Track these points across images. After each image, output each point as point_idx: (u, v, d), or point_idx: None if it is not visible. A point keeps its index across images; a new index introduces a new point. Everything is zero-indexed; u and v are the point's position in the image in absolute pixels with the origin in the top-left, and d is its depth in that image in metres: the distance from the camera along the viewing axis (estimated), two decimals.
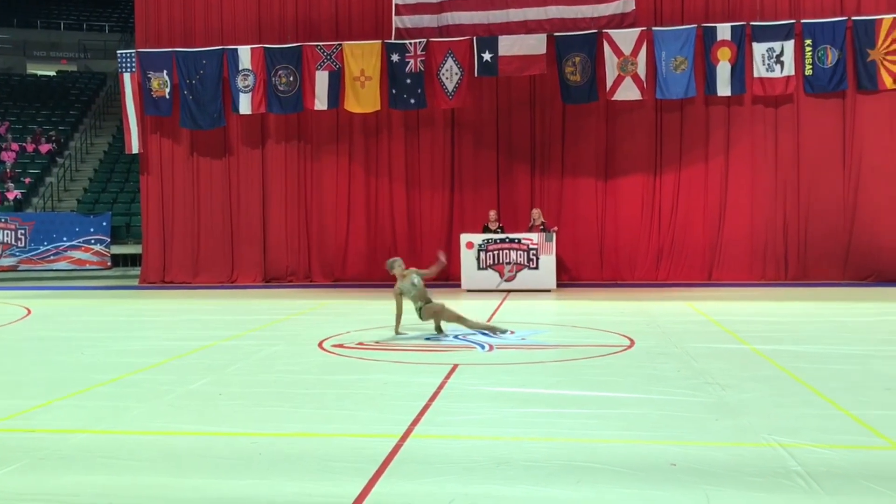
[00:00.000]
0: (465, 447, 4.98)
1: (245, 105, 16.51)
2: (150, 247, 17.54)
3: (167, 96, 16.78)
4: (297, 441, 5.22)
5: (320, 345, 8.89)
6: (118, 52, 17.56)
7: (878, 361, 7.58)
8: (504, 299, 13.57)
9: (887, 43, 14.87)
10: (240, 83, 16.50)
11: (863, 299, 12.76)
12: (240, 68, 16.49)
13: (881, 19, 14.88)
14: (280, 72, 16.32)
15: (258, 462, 4.77)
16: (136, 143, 17.15)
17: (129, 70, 16.94)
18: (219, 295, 15.12)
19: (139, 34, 17.53)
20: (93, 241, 20.49)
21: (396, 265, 9.57)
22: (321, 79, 16.23)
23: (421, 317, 9.42)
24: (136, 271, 18.65)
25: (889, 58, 14.91)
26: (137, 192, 19.77)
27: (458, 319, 9.33)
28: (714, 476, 4.38)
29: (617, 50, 15.37)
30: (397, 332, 9.36)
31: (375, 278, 16.79)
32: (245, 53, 16.49)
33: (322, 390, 6.63)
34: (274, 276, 17.14)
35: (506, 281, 14.80)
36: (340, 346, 8.82)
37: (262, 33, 16.97)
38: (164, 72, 16.72)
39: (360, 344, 8.92)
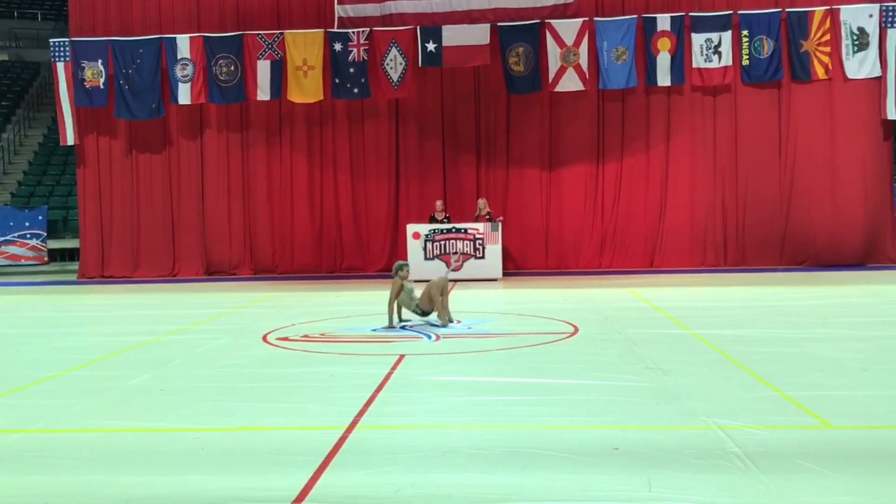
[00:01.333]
0: (411, 437, 4.99)
1: (184, 95, 16.20)
2: (88, 241, 17.11)
3: (101, 86, 16.33)
4: (241, 435, 5.17)
5: (265, 338, 8.80)
6: (51, 40, 17.04)
7: (812, 344, 7.82)
8: (451, 289, 13.57)
9: (819, 34, 15.28)
10: (178, 73, 16.16)
11: (799, 284, 13.13)
12: (178, 58, 16.16)
13: (813, 11, 15.27)
14: (220, 61, 16.04)
15: (202, 457, 4.72)
16: (71, 134, 16.69)
17: (62, 59, 16.46)
18: (160, 289, 14.84)
19: (73, 22, 17.03)
20: (28, 236, 19.90)
21: (404, 270, 9.46)
22: (263, 68, 16.01)
23: (419, 307, 9.36)
24: (75, 266, 18.16)
25: (821, 49, 15.32)
26: (74, 185, 19.25)
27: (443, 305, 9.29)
28: (655, 459, 4.48)
29: (559, 40, 15.49)
30: (391, 325, 9.25)
31: (321, 270, 16.70)
32: (184, 42, 16.16)
33: (267, 384, 6.57)
34: (217, 269, 16.88)
35: (452, 271, 14.83)
36: (285, 338, 8.74)
37: (201, 22, 16.63)
38: (99, 61, 16.28)
39: (306, 336, 8.86)
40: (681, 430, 5.04)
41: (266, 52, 15.97)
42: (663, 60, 15.43)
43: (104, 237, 17.03)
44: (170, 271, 16.88)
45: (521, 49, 15.54)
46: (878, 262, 15.57)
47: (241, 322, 10.19)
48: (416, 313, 9.43)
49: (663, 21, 15.43)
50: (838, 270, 14.87)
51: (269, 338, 8.80)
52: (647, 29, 15.45)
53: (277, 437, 5.09)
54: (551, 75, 15.56)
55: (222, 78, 16.06)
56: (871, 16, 15.19)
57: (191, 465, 4.59)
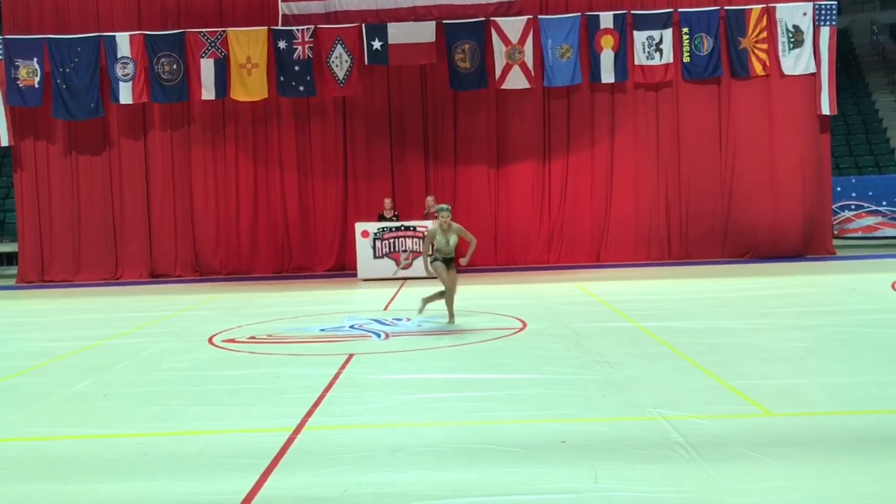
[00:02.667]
0: (359, 436, 4.97)
1: (126, 94, 15.86)
2: (27, 244, 16.64)
3: (36, 85, 15.90)
4: (186, 440, 5.09)
5: (210, 340, 8.68)
6: None
7: (753, 334, 8.01)
8: (401, 287, 13.59)
9: (756, 32, 15.64)
10: (119, 72, 15.82)
11: (740, 275, 13.43)
12: (118, 56, 15.82)
13: (751, 9, 15.63)
14: (162, 60, 15.75)
15: (145, 463, 4.64)
16: (5, 135, 16.20)
17: None
18: (103, 293, 14.52)
19: (6, 19, 16.53)
20: None
21: (443, 212, 9.02)
22: (206, 67, 15.76)
23: (430, 263, 9.09)
24: (13, 271, 17.66)
25: (759, 46, 15.69)
26: (11, 188, 18.70)
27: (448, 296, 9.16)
28: (601, 450, 4.54)
29: (504, 38, 15.57)
30: (428, 270, 9.04)
31: (268, 270, 16.52)
32: (123, 40, 15.82)
33: (212, 387, 6.48)
34: (161, 272, 16.58)
35: (402, 269, 14.82)
36: (231, 340, 8.63)
37: (141, 19, 16.30)
38: (35, 59, 15.85)
39: (252, 338, 8.76)
40: (626, 421, 5.12)
41: (209, 51, 15.74)
42: (607, 58, 15.63)
43: (43, 240, 16.59)
44: (113, 274, 16.53)
45: (466, 46, 15.59)
46: (815, 253, 16.01)
47: (186, 324, 10.02)
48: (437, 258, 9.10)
49: (606, 19, 15.63)
50: (778, 262, 15.25)
51: (214, 340, 8.68)
52: (591, 27, 15.63)
53: (224, 441, 5.02)
54: (497, 73, 15.65)
55: (165, 77, 15.77)
56: (804, 14, 15.61)
57: (135, 471, 4.50)
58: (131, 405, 6.00)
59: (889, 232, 17.64)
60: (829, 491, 3.89)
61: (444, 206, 9.19)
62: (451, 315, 9.26)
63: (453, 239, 9.09)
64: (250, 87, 15.75)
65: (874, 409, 5.25)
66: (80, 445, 5.05)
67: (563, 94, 16.29)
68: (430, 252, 9.15)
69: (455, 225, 9.17)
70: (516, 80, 15.66)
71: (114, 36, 15.84)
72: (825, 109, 15.79)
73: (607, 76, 15.70)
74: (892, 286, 11.13)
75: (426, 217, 15.25)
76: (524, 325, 8.98)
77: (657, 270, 14.78)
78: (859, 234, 17.86)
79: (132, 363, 7.60)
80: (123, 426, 5.43)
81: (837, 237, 17.35)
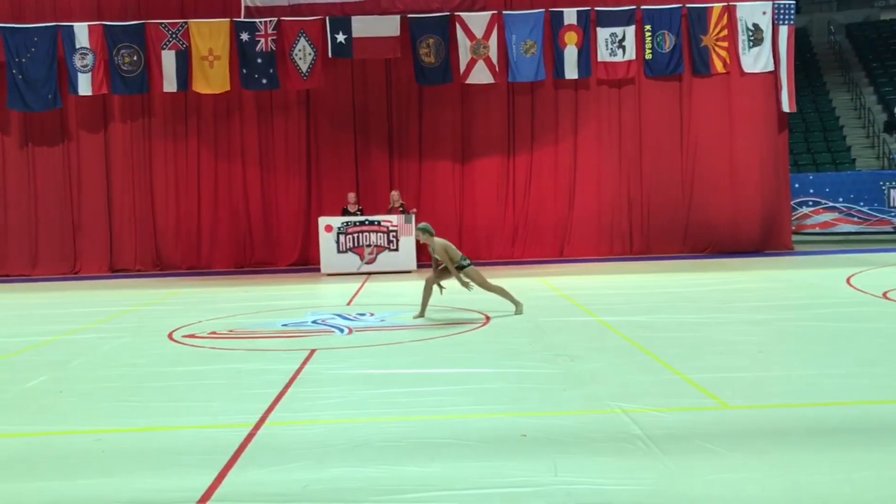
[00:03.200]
0: (320, 432, 4.95)
1: (84, 86, 15.58)
2: None
3: None
4: (144, 436, 5.02)
5: (170, 335, 8.57)
6: None
7: (712, 328, 8.12)
8: (365, 282, 13.55)
9: (717, 29, 15.85)
10: (78, 62, 15.54)
11: (700, 270, 13.61)
12: (77, 47, 15.53)
13: (712, 7, 15.83)
14: (123, 51, 15.49)
15: (103, 460, 4.57)
16: None
17: None
18: (61, 287, 14.26)
19: None
20: None
21: (423, 235, 9.09)
22: (168, 59, 15.54)
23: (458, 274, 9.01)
24: None
25: (719, 44, 15.90)
26: None
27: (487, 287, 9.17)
28: (562, 444, 4.57)
29: (469, 33, 15.58)
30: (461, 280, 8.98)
31: (230, 265, 16.37)
32: (82, 31, 15.53)
33: (172, 382, 6.40)
34: (121, 266, 16.34)
35: (366, 263, 14.78)
36: (192, 336, 8.54)
37: (101, 10, 16.01)
38: None
39: (213, 333, 8.67)
40: (587, 414, 5.16)
41: (170, 42, 15.51)
42: (570, 54, 15.72)
43: None
44: (71, 269, 16.25)
45: (431, 41, 15.57)
46: (774, 248, 16.28)
47: (146, 320, 9.88)
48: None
49: (570, 15, 15.70)
50: (737, 257, 15.49)
51: (174, 335, 8.58)
52: (555, 23, 15.70)
53: (182, 437, 4.97)
54: (462, 67, 15.66)
55: (125, 68, 15.52)
56: (764, 13, 15.84)
57: (91, 467, 4.44)
58: (88, 401, 5.91)
59: (845, 228, 18.01)
60: (784, 482, 3.96)
61: (424, 225, 9.24)
62: (423, 310, 9.27)
63: (440, 250, 9.10)
64: (212, 79, 15.57)
65: (828, 401, 5.36)
66: (35, 442, 4.96)
67: (527, 90, 16.35)
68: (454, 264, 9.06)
69: (437, 242, 9.11)
70: (481, 75, 15.68)
71: (72, 26, 15.54)
72: (785, 107, 16.05)
73: (571, 72, 15.79)
74: (848, 281, 11.35)
75: (390, 212, 15.22)
76: (487, 319, 9.01)
77: (619, 265, 14.92)
78: (816, 229, 18.21)
79: (90, 359, 7.48)
80: (80, 423, 5.34)
81: (795, 233, 17.66)
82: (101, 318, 10.09)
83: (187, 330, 8.90)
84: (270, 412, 5.40)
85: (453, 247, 9.18)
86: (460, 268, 9.05)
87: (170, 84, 15.58)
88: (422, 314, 9.25)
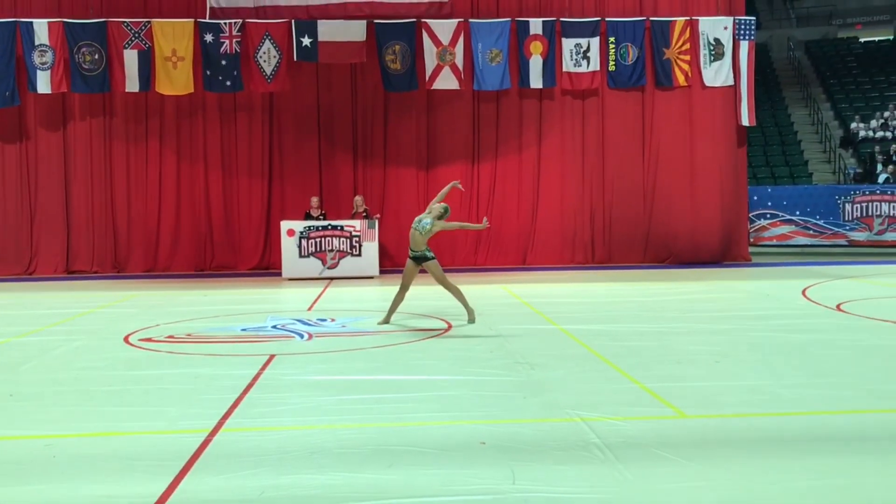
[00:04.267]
0: (278, 438, 4.90)
1: (44, 84, 15.28)
2: None
3: None
4: (97, 441, 4.92)
5: (126, 339, 8.43)
6: None
7: (671, 337, 8.21)
8: (327, 287, 13.47)
9: (680, 43, 16.07)
10: (37, 60, 15.24)
11: (660, 280, 13.75)
12: (36, 44, 15.23)
13: (675, 21, 16.04)
14: (83, 49, 15.23)
15: (53, 465, 4.47)
16: None
17: None
18: (14, 288, 13.95)
19: None
20: None
21: (435, 210, 9.12)
22: (130, 58, 15.31)
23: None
24: None
25: (682, 57, 16.12)
26: None
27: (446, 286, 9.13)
28: (520, 452, 4.58)
29: (436, 39, 15.60)
30: None
31: (189, 268, 16.16)
32: (42, 27, 15.24)
33: (126, 387, 6.29)
34: (78, 267, 16.03)
35: (328, 268, 14.69)
36: (148, 339, 8.40)
37: (61, 7, 15.72)
38: None
39: (171, 337, 8.54)
40: (546, 422, 5.18)
41: (133, 42, 15.29)
42: (535, 64, 15.82)
43: None
44: (25, 269, 15.90)
45: (397, 47, 15.56)
46: (733, 259, 16.52)
47: (101, 322, 9.70)
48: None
49: (535, 25, 15.81)
50: (697, 267, 15.68)
51: (130, 339, 8.43)
52: (521, 32, 15.79)
53: (136, 442, 4.88)
54: (428, 73, 15.66)
55: (86, 66, 15.26)
56: (725, 28, 16.10)
57: (41, 473, 4.34)
58: (39, 405, 5.78)
59: (801, 240, 18.35)
60: (739, 491, 4.01)
61: (444, 205, 9.28)
62: (389, 316, 9.23)
63: (424, 223, 8.99)
64: (176, 80, 15.37)
65: (783, 411, 5.44)
66: None
67: (492, 99, 16.41)
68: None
69: (437, 207, 9.13)
70: (447, 81, 15.70)
71: (31, 22, 15.24)
72: (744, 120, 16.31)
73: (536, 82, 15.89)
74: (803, 293, 11.56)
75: (354, 217, 15.15)
76: (449, 326, 9.01)
77: (581, 274, 15.02)
78: (774, 241, 18.53)
79: (42, 362, 7.32)
80: (30, 427, 5.22)
81: (753, 244, 17.95)
82: (56, 320, 9.89)
83: (144, 333, 8.75)
84: (227, 418, 5.33)
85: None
86: (425, 259, 9.00)
87: (132, 84, 15.35)
88: (387, 320, 9.21)
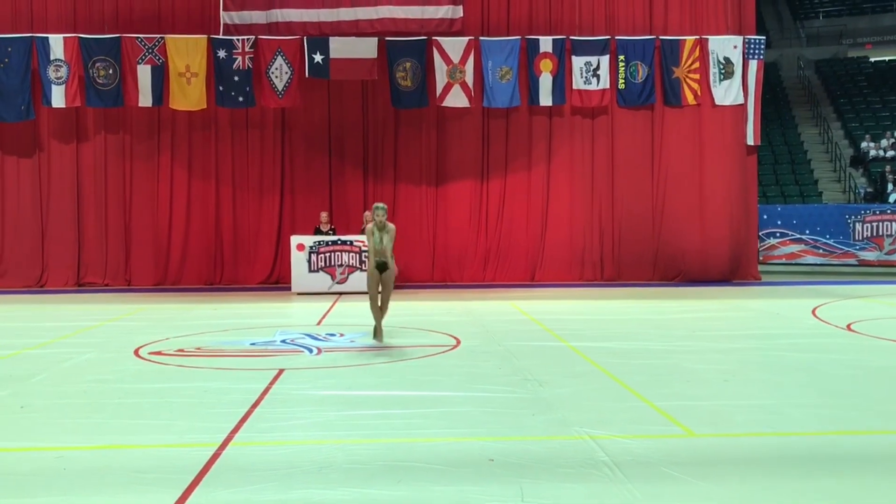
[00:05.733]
0: (286, 453, 4.91)
1: (58, 98, 15.44)
2: None
3: None
4: (106, 454, 4.95)
5: (136, 352, 8.47)
6: None
7: (679, 355, 8.19)
8: (336, 301, 13.49)
9: (689, 62, 16.12)
10: (52, 74, 15.40)
11: (669, 298, 13.73)
12: (52, 58, 15.40)
13: (684, 40, 16.10)
14: (98, 64, 15.39)
15: (63, 478, 4.49)
16: None
17: None
18: (25, 300, 14.04)
19: None
20: None
21: (378, 210, 8.98)
22: (143, 73, 15.46)
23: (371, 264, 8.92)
24: None
25: (691, 76, 16.16)
26: None
27: (382, 306, 9.03)
28: (529, 469, 4.58)
29: (446, 57, 15.70)
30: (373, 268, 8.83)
31: (200, 282, 16.22)
32: (57, 43, 15.42)
33: (136, 400, 6.32)
34: (88, 280, 16.11)
35: (337, 283, 14.72)
36: (158, 353, 8.44)
37: (77, 23, 15.90)
38: None
39: (181, 351, 8.58)
40: (554, 440, 5.18)
41: (146, 57, 15.45)
42: (545, 81, 15.89)
43: None
44: (37, 281, 16.00)
45: (408, 64, 15.67)
46: (742, 278, 16.47)
47: (111, 335, 9.75)
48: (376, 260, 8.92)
49: (546, 43, 15.89)
50: (706, 286, 15.64)
51: (140, 352, 8.47)
52: (531, 50, 15.88)
53: (146, 455, 4.90)
54: (438, 91, 15.76)
55: (100, 81, 15.41)
56: (735, 47, 16.14)
57: (51, 486, 4.36)
58: (50, 418, 5.81)
59: (811, 259, 18.30)
60: None
61: (381, 204, 9.17)
62: (379, 330, 9.12)
63: (387, 238, 8.97)
64: (189, 96, 15.51)
65: (792, 430, 5.42)
66: None
67: (501, 116, 16.48)
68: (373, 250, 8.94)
69: (390, 226, 9.08)
70: (457, 99, 15.79)
71: (47, 37, 15.42)
72: (750, 139, 16.34)
73: (546, 99, 15.95)
74: (813, 312, 11.52)
75: (363, 232, 15.19)
76: (458, 342, 9.01)
77: (589, 291, 15.01)
78: (783, 260, 18.48)
79: (53, 374, 7.36)
80: (40, 439, 5.25)
81: (763, 263, 17.91)
82: (67, 332, 9.94)
83: (154, 347, 8.79)
84: (236, 432, 5.35)
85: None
86: (387, 267, 8.91)
87: (145, 99, 15.49)
88: (379, 336, 9.09)
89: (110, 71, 15.42)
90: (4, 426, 5.60)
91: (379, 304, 9.04)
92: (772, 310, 12.06)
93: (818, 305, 12.25)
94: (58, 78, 15.42)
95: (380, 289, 9.03)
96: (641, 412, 5.86)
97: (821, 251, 18.17)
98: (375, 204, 9.22)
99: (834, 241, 18.09)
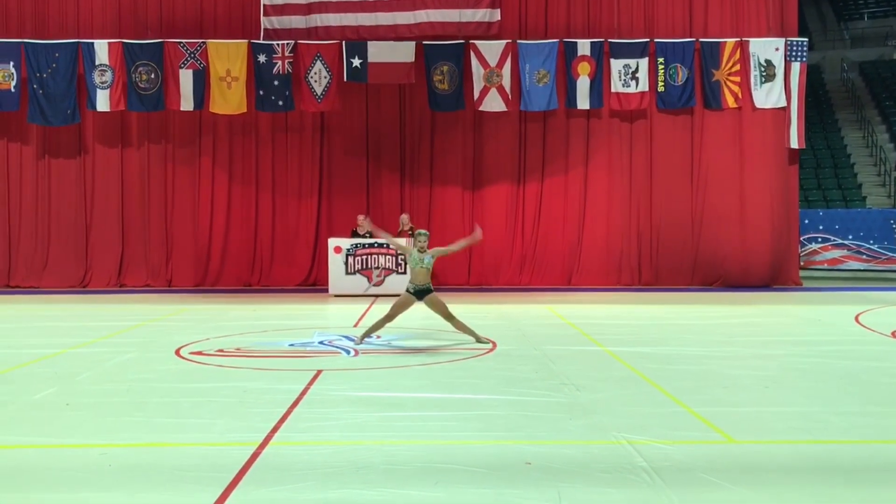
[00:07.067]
0: (325, 453, 4.96)
1: (103, 102, 15.77)
2: None
3: (13, 90, 15.76)
4: (149, 451, 5.04)
5: (177, 352, 8.61)
6: None
7: (717, 361, 8.10)
8: (372, 304, 13.56)
9: (730, 65, 15.94)
10: (97, 79, 15.73)
11: (708, 303, 13.57)
12: (96, 63, 15.73)
13: (724, 42, 15.93)
14: (140, 69, 15.68)
15: (108, 474, 4.59)
16: None
17: None
18: (69, 300, 14.33)
19: None
20: None
21: (420, 237, 9.06)
22: (185, 77, 15.73)
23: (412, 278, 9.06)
24: None
25: (731, 79, 15.99)
26: None
27: (449, 318, 9.08)
28: (566, 473, 4.57)
29: (483, 61, 15.73)
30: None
31: (239, 283, 16.43)
32: (102, 48, 15.75)
33: (177, 399, 6.42)
34: (130, 281, 16.41)
35: (374, 286, 14.81)
36: (199, 353, 8.56)
37: (122, 28, 16.24)
38: (11, 63, 15.71)
39: (220, 351, 8.70)
40: (591, 444, 5.16)
41: (188, 62, 15.71)
42: (583, 84, 15.83)
43: (11, 244, 16.37)
44: (80, 282, 16.33)
45: (445, 68, 15.72)
46: (783, 283, 16.25)
47: (153, 335, 9.92)
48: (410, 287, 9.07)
49: (583, 46, 15.84)
50: (746, 291, 15.45)
51: (181, 352, 8.61)
52: (568, 53, 15.83)
53: (187, 454, 4.98)
54: (475, 95, 15.79)
55: (142, 86, 15.71)
56: (777, 49, 15.93)
57: (95, 482, 4.46)
58: (94, 415, 5.94)
59: (854, 265, 17.97)
60: None
61: (424, 231, 9.27)
62: (368, 333, 9.21)
63: (427, 260, 9.08)
64: (230, 100, 15.73)
65: (833, 438, 5.34)
66: (40, 454, 4.99)
67: (539, 118, 16.45)
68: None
69: (433, 249, 9.22)
70: (493, 103, 15.81)
71: (92, 43, 15.76)
72: (793, 143, 16.09)
73: (583, 102, 15.89)
74: (856, 319, 11.32)
75: (400, 235, 15.26)
76: (494, 345, 9.01)
77: (627, 296, 14.91)
78: (825, 266, 18.17)
79: (97, 373, 7.51)
80: (85, 436, 5.37)
81: (804, 268, 17.63)
82: (109, 332, 10.14)
83: (195, 347, 8.93)
84: (275, 432, 5.41)
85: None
86: (429, 292, 9.07)
87: (186, 103, 15.75)
88: (363, 337, 9.17)
89: (152, 75, 15.70)
90: (51, 422, 5.73)
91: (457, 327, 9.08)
92: (813, 316, 11.87)
93: (861, 312, 12.03)
94: (102, 82, 15.74)
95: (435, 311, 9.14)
96: (680, 418, 5.81)
97: (864, 256, 17.85)
98: (418, 231, 9.32)
99: (878, 247, 17.75)
